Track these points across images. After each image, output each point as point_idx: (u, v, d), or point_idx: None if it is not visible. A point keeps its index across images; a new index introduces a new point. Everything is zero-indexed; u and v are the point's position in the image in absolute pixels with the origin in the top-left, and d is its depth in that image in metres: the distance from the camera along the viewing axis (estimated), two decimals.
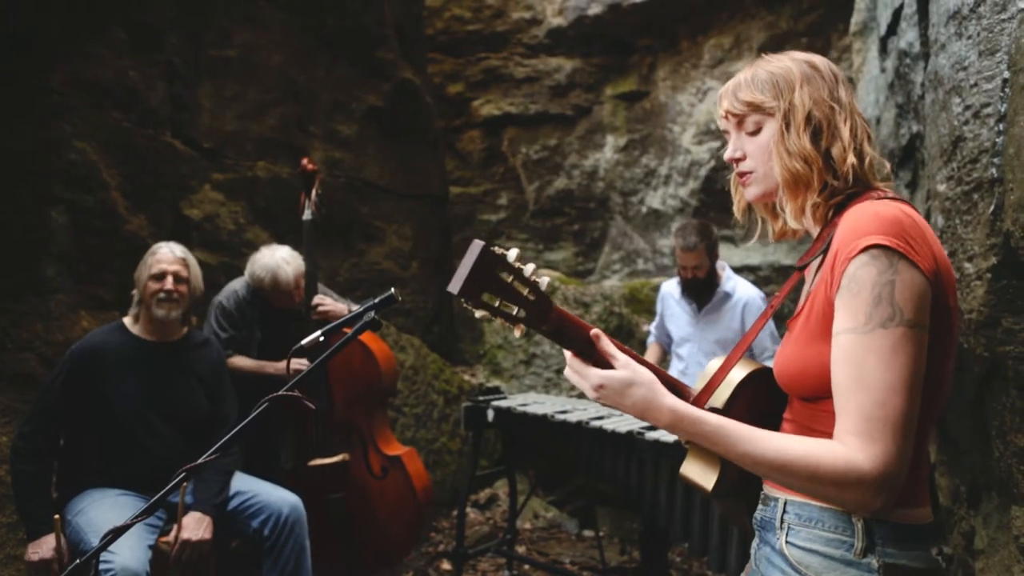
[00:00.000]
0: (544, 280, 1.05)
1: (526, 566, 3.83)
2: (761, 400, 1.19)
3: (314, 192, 3.32)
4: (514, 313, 1.02)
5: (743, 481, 1.21)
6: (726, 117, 1.20)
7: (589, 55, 6.57)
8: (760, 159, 1.17)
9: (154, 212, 3.61)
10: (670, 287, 3.56)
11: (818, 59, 1.18)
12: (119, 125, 3.46)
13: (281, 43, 4.32)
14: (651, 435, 2.64)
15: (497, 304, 1.01)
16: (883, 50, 3.24)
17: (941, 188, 2.06)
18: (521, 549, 4.09)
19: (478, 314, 1.01)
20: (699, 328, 3.40)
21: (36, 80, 3.16)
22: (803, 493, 1.08)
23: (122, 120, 3.48)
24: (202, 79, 3.94)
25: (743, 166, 1.20)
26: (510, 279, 1.01)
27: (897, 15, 2.88)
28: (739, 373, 1.20)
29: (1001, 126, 1.72)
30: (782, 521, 1.13)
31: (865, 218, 1.04)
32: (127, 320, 2.67)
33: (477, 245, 0.99)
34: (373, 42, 4.86)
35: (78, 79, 3.30)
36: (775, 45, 5.81)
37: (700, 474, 1.20)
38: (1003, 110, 1.72)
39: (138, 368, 2.57)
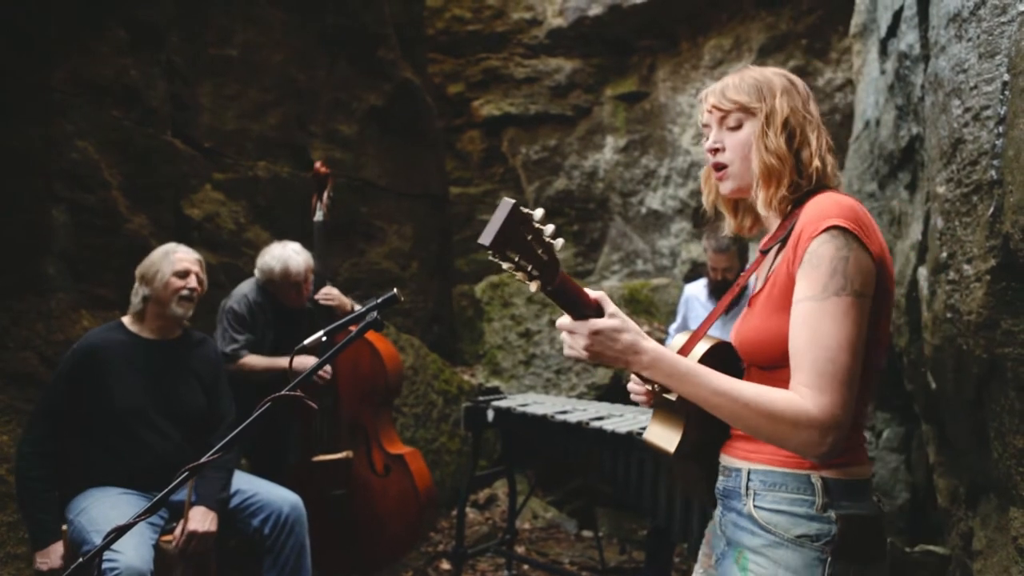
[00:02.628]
0: (559, 242, 1.11)
1: (525, 566, 3.84)
2: (723, 371, 1.28)
3: (326, 194, 3.36)
4: (529, 269, 1.08)
5: (702, 446, 1.33)
6: (711, 111, 1.34)
7: (589, 56, 6.58)
8: (737, 153, 1.31)
9: (155, 211, 3.61)
10: (695, 289, 3.57)
11: (794, 76, 1.35)
12: (120, 124, 3.47)
13: (281, 42, 4.33)
14: None
15: (517, 259, 1.07)
16: (883, 52, 3.24)
17: (941, 190, 2.06)
18: (520, 549, 4.09)
19: (505, 266, 1.07)
20: (726, 330, 3.39)
21: (37, 79, 3.16)
22: (758, 435, 1.19)
23: (123, 119, 3.48)
24: (202, 78, 3.94)
25: (721, 157, 1.33)
26: (529, 238, 1.07)
27: (897, 17, 2.89)
28: (702, 347, 1.31)
29: (1001, 128, 1.73)
30: (747, 488, 1.25)
31: (827, 204, 1.20)
32: (126, 319, 2.67)
33: (508, 203, 1.05)
34: (373, 42, 4.86)
35: (79, 78, 3.31)
36: (775, 46, 5.82)
37: (663, 437, 1.30)
38: (1003, 113, 1.72)
39: (138, 366, 2.57)
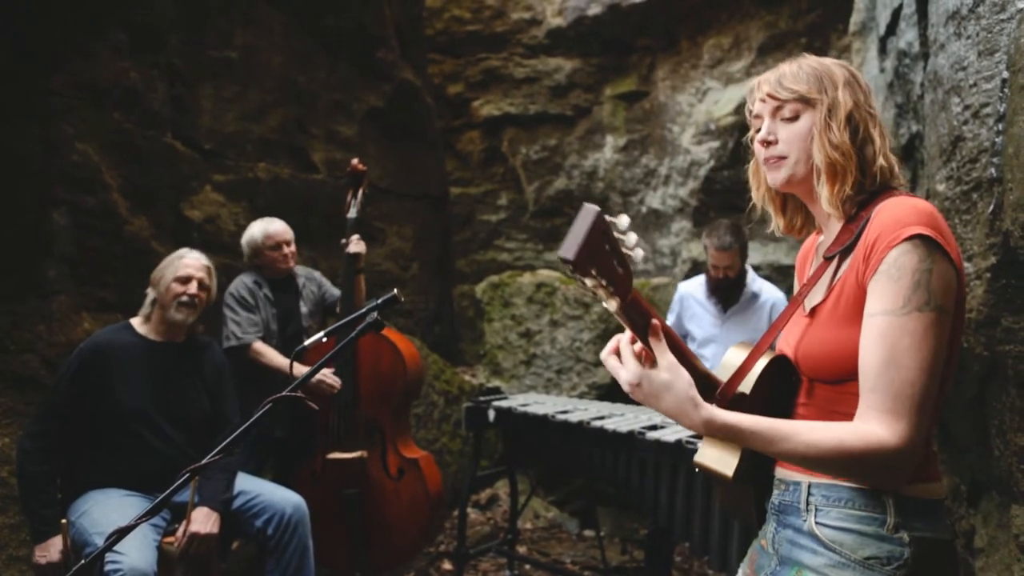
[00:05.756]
0: (639, 253, 1.03)
1: (527, 566, 3.84)
2: (777, 385, 1.24)
3: (360, 192, 3.39)
4: (604, 284, 0.99)
5: (757, 465, 1.24)
6: (764, 100, 1.24)
7: (588, 55, 6.58)
8: (795, 145, 1.22)
9: (155, 213, 3.61)
10: (690, 287, 3.52)
11: (856, 70, 1.25)
12: (120, 126, 3.47)
13: (281, 44, 4.33)
14: (652, 435, 2.65)
15: (595, 274, 0.98)
16: (882, 50, 3.24)
17: (940, 188, 2.06)
18: (522, 549, 4.09)
19: (589, 283, 0.98)
20: (725, 329, 3.38)
21: (37, 82, 3.16)
22: (834, 476, 1.14)
23: (123, 121, 3.48)
24: (202, 80, 3.94)
25: (775, 150, 1.24)
26: (607, 248, 0.98)
27: (896, 15, 2.88)
28: (763, 361, 1.23)
29: (1000, 126, 1.73)
30: (808, 503, 1.17)
31: (904, 209, 1.10)
32: (134, 320, 2.69)
33: (591, 210, 0.95)
34: (373, 43, 4.86)
35: (79, 81, 3.31)
36: (774, 45, 5.82)
37: (718, 460, 1.21)
38: (1002, 110, 1.72)
39: (144, 367, 2.58)
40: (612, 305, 1.01)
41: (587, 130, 6.65)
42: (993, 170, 1.75)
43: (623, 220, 1.01)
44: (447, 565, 3.83)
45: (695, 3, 6.08)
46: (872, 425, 1.05)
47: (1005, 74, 1.72)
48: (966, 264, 1.88)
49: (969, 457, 2.21)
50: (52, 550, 2.31)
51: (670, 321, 3.62)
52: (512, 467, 3.87)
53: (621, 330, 1.14)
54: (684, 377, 1.10)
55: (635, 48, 6.48)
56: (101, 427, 2.50)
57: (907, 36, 2.71)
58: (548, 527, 4.53)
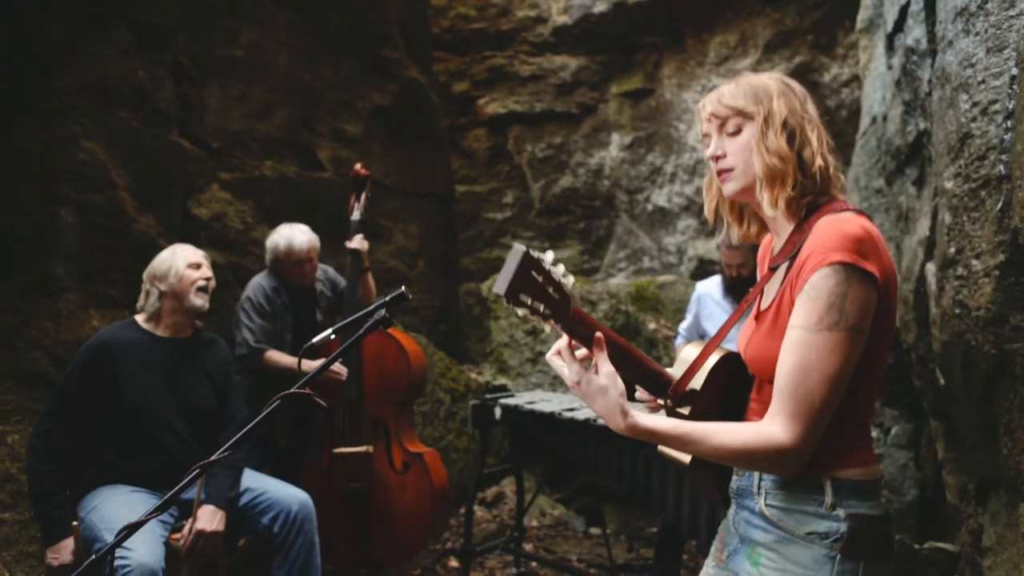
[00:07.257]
0: (570, 280, 1.17)
1: (533, 563, 3.84)
2: (731, 381, 1.39)
3: (364, 195, 3.41)
4: (541, 310, 1.14)
5: None
6: (709, 120, 1.37)
7: (594, 53, 6.57)
8: (739, 157, 1.33)
9: (162, 211, 3.62)
10: (708, 287, 3.55)
11: (790, 80, 1.38)
12: (127, 125, 3.48)
13: (287, 43, 4.34)
14: None
15: (530, 302, 1.12)
16: (890, 47, 3.23)
17: (948, 185, 2.06)
18: (528, 547, 4.10)
19: (520, 312, 1.12)
20: (740, 327, 3.39)
21: (43, 81, 3.18)
22: (742, 469, 1.33)
23: (130, 120, 3.50)
24: (208, 79, 3.95)
25: (723, 163, 1.35)
26: (541, 279, 1.13)
27: (904, 12, 2.87)
28: (713, 359, 1.37)
29: (1009, 123, 1.72)
30: (759, 487, 1.31)
31: (833, 234, 1.21)
32: (139, 318, 2.69)
33: (519, 251, 1.11)
34: (378, 41, 4.87)
35: (85, 79, 3.32)
36: (781, 42, 5.80)
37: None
38: (1011, 107, 1.72)
39: (151, 363, 2.58)
40: (547, 327, 1.17)
41: (593, 128, 6.65)
42: (1002, 167, 1.74)
43: (549, 255, 1.16)
44: (453, 562, 3.83)
45: (701, 1, 6.07)
46: (775, 426, 1.19)
47: (1014, 71, 1.72)
48: (974, 262, 1.88)
49: (977, 456, 2.20)
50: (64, 552, 2.32)
51: (688, 321, 3.65)
52: (518, 465, 3.87)
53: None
54: (619, 387, 1.24)
55: (641, 46, 6.47)
56: (108, 423, 2.50)
57: (915, 33, 2.70)
58: (554, 525, 4.53)
